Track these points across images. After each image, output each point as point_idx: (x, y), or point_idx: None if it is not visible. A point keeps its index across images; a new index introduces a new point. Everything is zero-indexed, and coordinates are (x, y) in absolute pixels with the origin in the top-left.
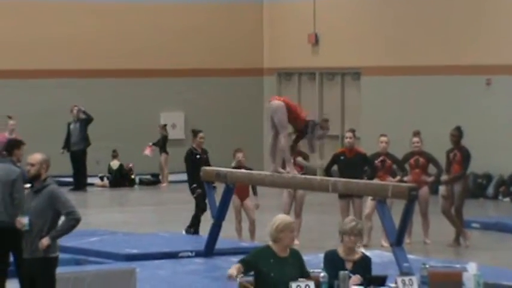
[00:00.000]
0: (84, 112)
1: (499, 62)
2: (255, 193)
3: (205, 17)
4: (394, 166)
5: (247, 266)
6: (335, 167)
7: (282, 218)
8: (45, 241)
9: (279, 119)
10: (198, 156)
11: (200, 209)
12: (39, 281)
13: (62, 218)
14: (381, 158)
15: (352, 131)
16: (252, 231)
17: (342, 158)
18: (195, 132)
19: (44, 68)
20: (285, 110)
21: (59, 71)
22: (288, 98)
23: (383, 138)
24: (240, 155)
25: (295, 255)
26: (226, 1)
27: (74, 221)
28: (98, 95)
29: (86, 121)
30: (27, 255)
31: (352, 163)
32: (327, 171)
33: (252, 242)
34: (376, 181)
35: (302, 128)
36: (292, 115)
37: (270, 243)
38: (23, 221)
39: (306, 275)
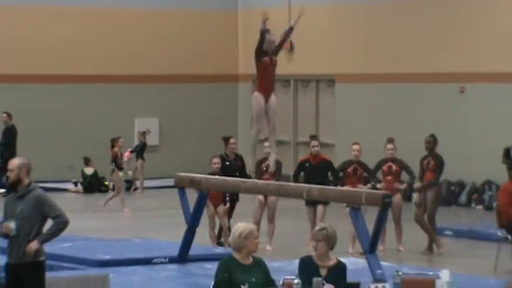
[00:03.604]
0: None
1: (473, 69)
2: (225, 203)
3: (180, 24)
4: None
5: (225, 286)
6: (302, 174)
7: (244, 225)
8: (33, 245)
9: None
10: (227, 163)
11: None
12: (29, 286)
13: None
14: (353, 166)
15: (316, 137)
16: (226, 238)
17: (307, 165)
18: (225, 139)
19: (15, 72)
20: (255, 100)
21: (31, 76)
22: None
23: (355, 147)
24: (216, 161)
25: (259, 263)
26: (201, 8)
27: (62, 223)
28: (72, 101)
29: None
30: (14, 260)
31: (317, 170)
32: (294, 178)
33: (226, 249)
34: (350, 188)
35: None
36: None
37: (233, 252)
38: (10, 226)
39: (271, 283)
